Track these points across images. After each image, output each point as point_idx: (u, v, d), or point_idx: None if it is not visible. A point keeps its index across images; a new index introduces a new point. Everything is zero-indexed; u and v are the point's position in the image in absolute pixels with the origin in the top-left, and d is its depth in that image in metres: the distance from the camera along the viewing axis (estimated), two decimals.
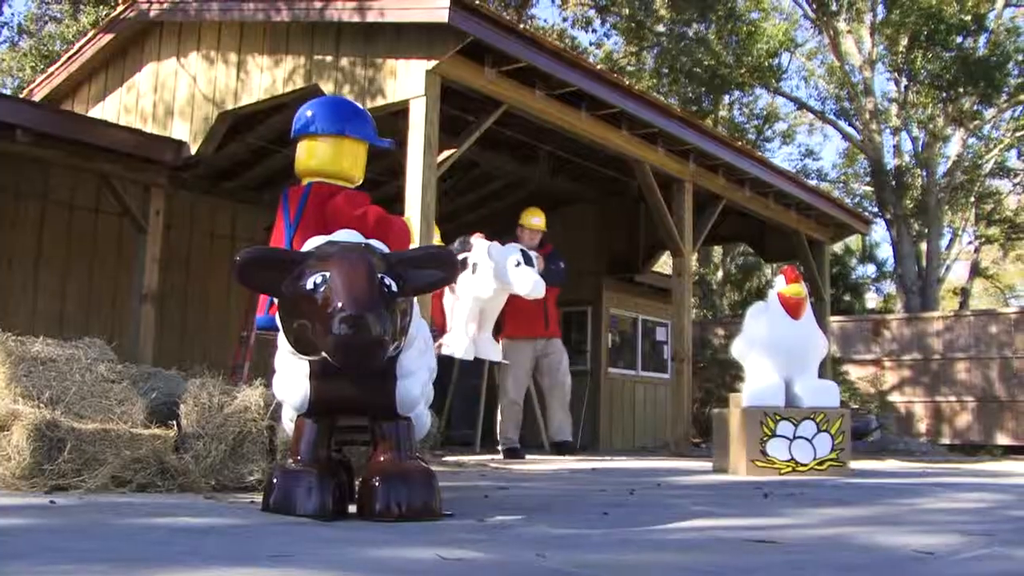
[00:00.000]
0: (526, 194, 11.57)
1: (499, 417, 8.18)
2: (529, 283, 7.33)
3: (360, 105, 4.82)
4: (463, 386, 8.66)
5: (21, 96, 10.01)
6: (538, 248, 8.12)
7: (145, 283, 8.24)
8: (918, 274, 21.35)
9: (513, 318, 8.20)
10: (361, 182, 4.50)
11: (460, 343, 7.69)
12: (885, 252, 31.18)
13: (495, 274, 7.48)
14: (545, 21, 21.97)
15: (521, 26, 7.66)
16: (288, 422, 3.26)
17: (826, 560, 2.31)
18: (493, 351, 8.08)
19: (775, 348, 6.20)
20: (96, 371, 4.17)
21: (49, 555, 2.04)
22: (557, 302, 8.57)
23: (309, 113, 4.28)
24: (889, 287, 27.04)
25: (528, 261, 7.51)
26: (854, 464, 6.69)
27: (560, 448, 8.36)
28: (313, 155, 4.27)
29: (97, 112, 9.40)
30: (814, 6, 21.63)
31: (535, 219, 8.32)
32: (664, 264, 17.26)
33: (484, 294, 7.63)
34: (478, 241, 7.76)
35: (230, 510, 3.14)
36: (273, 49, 7.88)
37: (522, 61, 7.09)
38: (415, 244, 4.46)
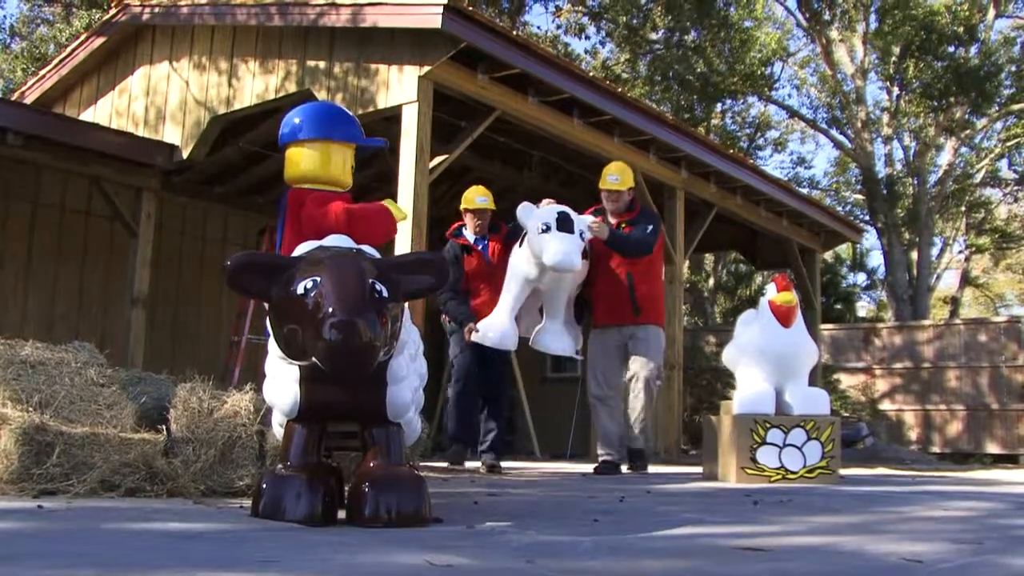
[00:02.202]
0: (519, 199, 11.59)
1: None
2: (551, 252, 5.89)
3: (348, 110, 4.81)
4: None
5: (12, 99, 9.99)
6: (625, 211, 6.71)
7: (136, 287, 8.23)
8: (909, 283, 21.42)
9: (597, 302, 6.81)
10: (351, 185, 4.49)
11: (494, 328, 6.38)
12: (876, 260, 31.33)
13: (530, 245, 6.15)
14: (539, 28, 22.03)
15: (514, 32, 7.66)
16: (278, 427, 3.25)
17: (814, 568, 2.32)
18: (563, 342, 6.67)
19: (766, 356, 6.21)
20: (85, 375, 4.16)
21: (36, 560, 2.03)
22: (653, 279, 6.94)
23: (296, 120, 4.28)
24: (880, 295, 27.11)
25: (564, 225, 6.04)
26: (844, 472, 6.70)
27: (632, 458, 6.85)
28: (301, 161, 4.27)
29: (88, 115, 9.39)
30: (807, 15, 21.71)
31: (610, 177, 6.74)
32: None
33: (530, 272, 6.28)
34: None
35: (219, 515, 3.13)
36: (266, 54, 7.88)
37: (515, 67, 7.11)
38: (401, 232, 4.36)
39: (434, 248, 7.51)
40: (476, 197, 6.73)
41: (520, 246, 6.33)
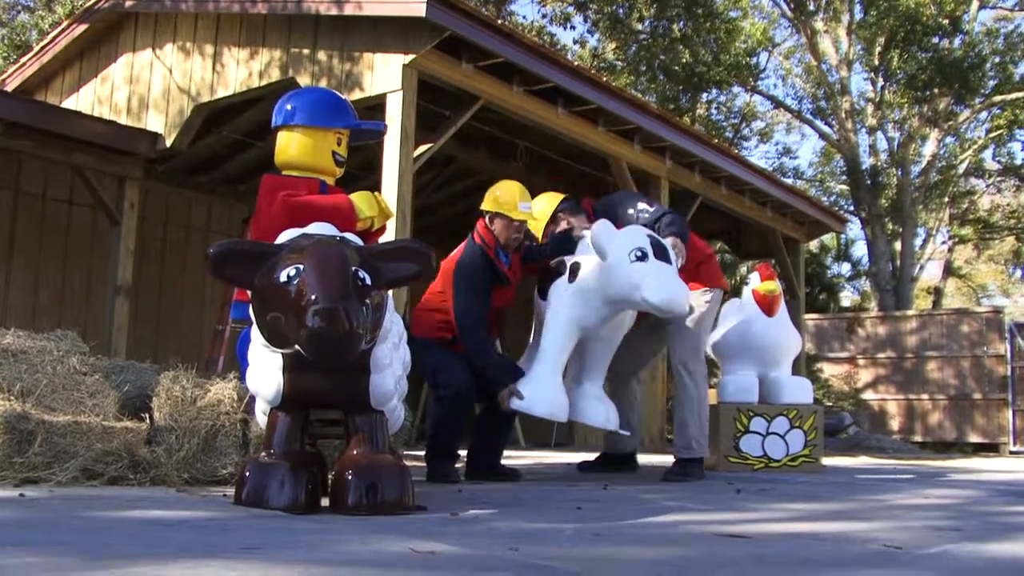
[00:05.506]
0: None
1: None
2: (657, 289, 4.40)
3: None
4: None
5: None
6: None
7: (119, 276, 8.18)
8: (892, 273, 21.51)
9: None
10: (339, 174, 4.46)
11: (543, 393, 4.67)
12: (860, 251, 31.43)
13: (605, 278, 4.59)
14: (524, 17, 21.97)
15: (499, 21, 7.64)
16: (261, 415, 3.25)
17: (796, 554, 2.33)
18: (608, 412, 5.08)
19: (749, 345, 6.25)
20: (68, 363, 4.14)
21: (18, 549, 2.02)
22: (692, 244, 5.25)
23: (289, 107, 4.27)
24: (864, 285, 27.23)
25: (661, 254, 4.56)
26: (826, 460, 6.74)
27: (678, 466, 5.30)
28: (289, 147, 4.26)
29: (71, 103, 9.31)
30: (792, 6, 21.73)
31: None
32: None
33: (587, 317, 4.77)
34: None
35: (202, 503, 3.12)
36: (249, 41, 7.84)
37: (499, 56, 7.09)
38: (366, 219, 4.15)
39: (417, 235, 7.46)
40: (520, 203, 4.96)
41: (572, 280, 4.81)
